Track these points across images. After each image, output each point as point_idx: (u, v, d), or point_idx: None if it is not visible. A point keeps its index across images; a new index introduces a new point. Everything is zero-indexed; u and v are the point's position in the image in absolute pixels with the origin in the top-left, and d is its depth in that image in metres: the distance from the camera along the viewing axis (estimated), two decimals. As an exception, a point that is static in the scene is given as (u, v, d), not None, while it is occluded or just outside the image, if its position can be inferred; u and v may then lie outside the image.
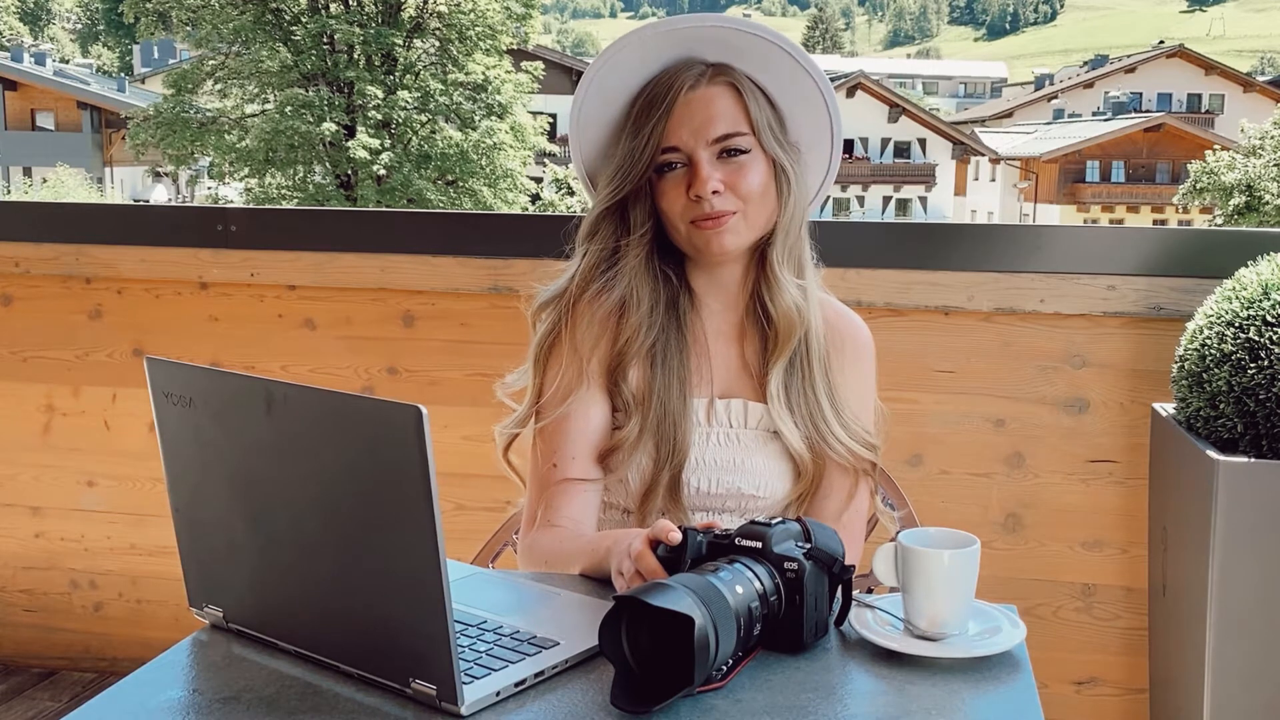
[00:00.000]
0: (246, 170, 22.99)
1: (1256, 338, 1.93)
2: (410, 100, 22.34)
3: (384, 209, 16.79)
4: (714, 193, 1.51)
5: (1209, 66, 48.14)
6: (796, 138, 1.59)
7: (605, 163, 1.61)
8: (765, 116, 1.55)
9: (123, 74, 59.38)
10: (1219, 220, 27.04)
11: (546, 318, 1.61)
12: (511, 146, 22.59)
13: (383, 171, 21.97)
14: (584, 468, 1.57)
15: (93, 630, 2.98)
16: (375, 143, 21.68)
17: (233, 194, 26.03)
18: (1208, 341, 2.01)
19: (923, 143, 41.21)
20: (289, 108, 21.82)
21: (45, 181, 31.21)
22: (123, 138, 29.12)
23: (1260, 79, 53.04)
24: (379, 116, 22.10)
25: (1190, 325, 2.11)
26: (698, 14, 1.61)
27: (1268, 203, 25.52)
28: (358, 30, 21.97)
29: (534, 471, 1.61)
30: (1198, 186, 27.13)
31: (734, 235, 1.54)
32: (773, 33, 1.56)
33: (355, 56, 22.37)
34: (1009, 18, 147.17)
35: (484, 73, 22.51)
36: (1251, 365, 1.93)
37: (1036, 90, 54.63)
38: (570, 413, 1.57)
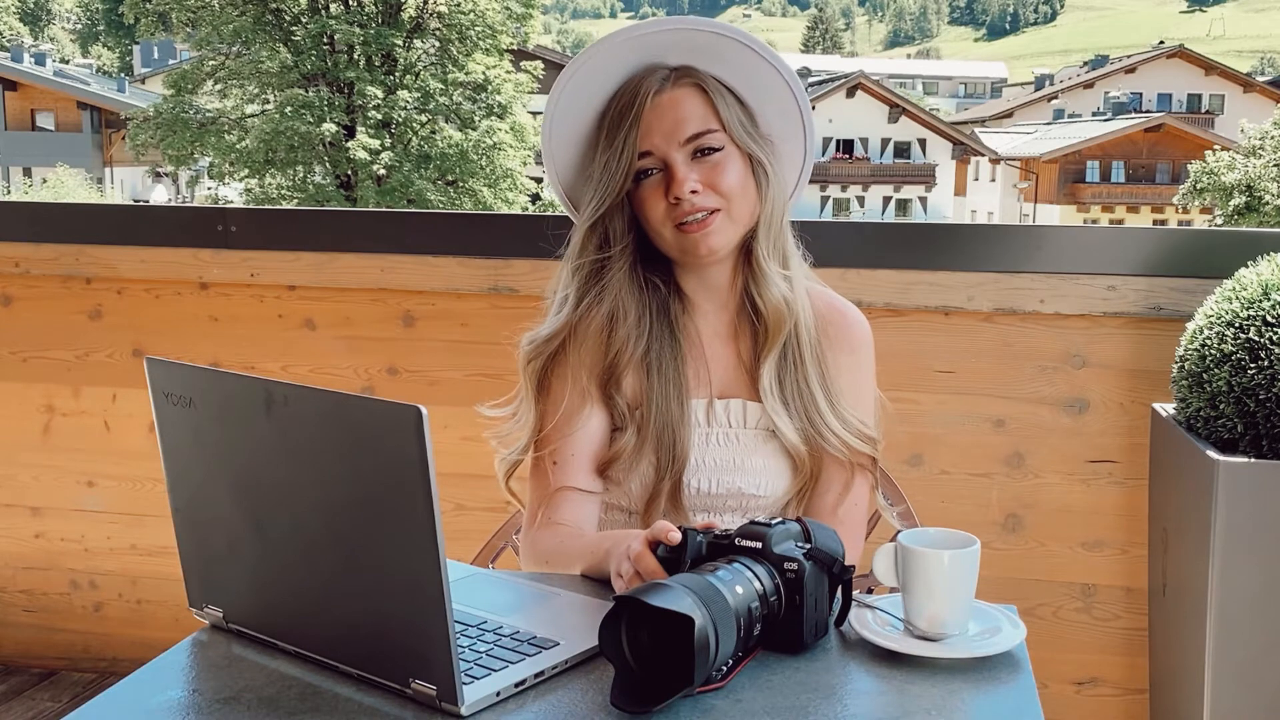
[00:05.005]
0: (246, 171, 22.98)
1: (1256, 338, 1.93)
2: (410, 100, 22.33)
3: (384, 209, 16.80)
4: (693, 192, 1.51)
5: (1209, 67, 48.15)
6: (768, 130, 1.59)
7: (584, 181, 1.60)
8: (734, 113, 1.55)
9: (123, 74, 59.41)
10: (1219, 220, 27.03)
11: (546, 350, 1.59)
12: (511, 146, 22.57)
13: (383, 171, 21.96)
14: (585, 479, 1.57)
15: (93, 630, 2.98)
16: (375, 143, 21.67)
17: (233, 194, 26.01)
18: (1208, 342, 2.01)
19: (923, 143, 41.20)
20: (289, 108, 21.81)
21: (45, 182, 31.22)
22: (123, 138, 29.10)
23: (1260, 79, 53.06)
24: (379, 116, 22.09)
25: (1190, 325, 2.11)
26: (657, 19, 1.60)
27: (1268, 203, 25.51)
28: (358, 30, 21.97)
29: (536, 473, 1.61)
30: (1198, 187, 27.11)
31: (719, 235, 1.54)
32: (732, 29, 1.56)
33: (355, 57, 22.36)
34: (1009, 18, 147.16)
35: (484, 73, 22.51)
36: (1251, 365, 1.93)
37: (1036, 90, 54.64)
38: (572, 429, 1.57)
